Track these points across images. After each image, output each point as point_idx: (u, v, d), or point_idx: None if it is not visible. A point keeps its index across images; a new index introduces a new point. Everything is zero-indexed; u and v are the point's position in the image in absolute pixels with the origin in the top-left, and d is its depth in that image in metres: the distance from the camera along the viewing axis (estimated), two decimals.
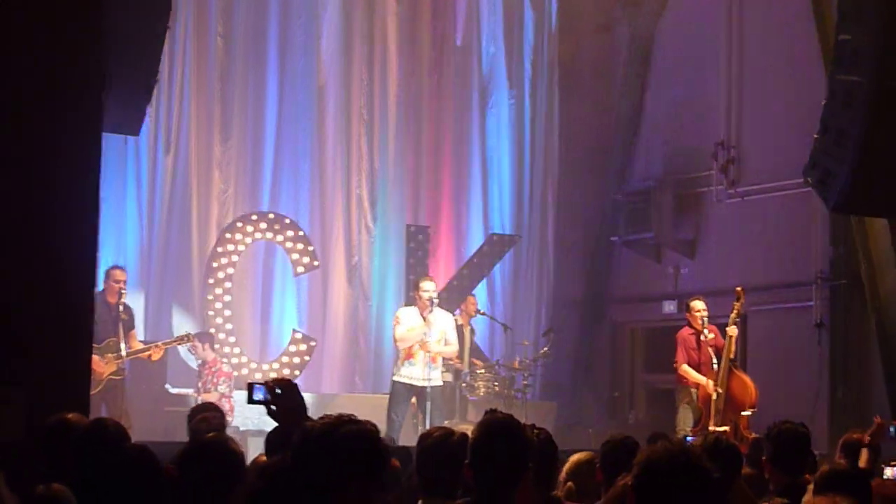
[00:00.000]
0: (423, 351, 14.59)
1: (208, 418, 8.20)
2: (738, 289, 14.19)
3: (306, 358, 17.67)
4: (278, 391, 5.07)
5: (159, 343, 15.05)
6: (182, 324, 17.32)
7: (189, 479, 5.09)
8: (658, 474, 4.26)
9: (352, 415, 4.41)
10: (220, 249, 17.37)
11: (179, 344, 15.66)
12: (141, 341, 15.03)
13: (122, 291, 14.54)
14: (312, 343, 17.81)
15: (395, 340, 14.92)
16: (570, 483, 7.08)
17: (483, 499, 5.06)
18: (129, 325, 14.64)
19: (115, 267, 14.90)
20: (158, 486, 4.81)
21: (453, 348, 15.26)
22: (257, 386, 5.05)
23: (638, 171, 19.91)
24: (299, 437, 4.35)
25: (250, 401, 5.06)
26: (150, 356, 14.71)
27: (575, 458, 7.31)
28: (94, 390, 13.53)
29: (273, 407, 5.09)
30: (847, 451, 8.32)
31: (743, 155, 18.46)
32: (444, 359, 15.35)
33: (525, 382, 17.52)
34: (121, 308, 14.45)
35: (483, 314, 17.96)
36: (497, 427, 5.14)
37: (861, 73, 12.27)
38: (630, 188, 19.61)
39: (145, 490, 4.76)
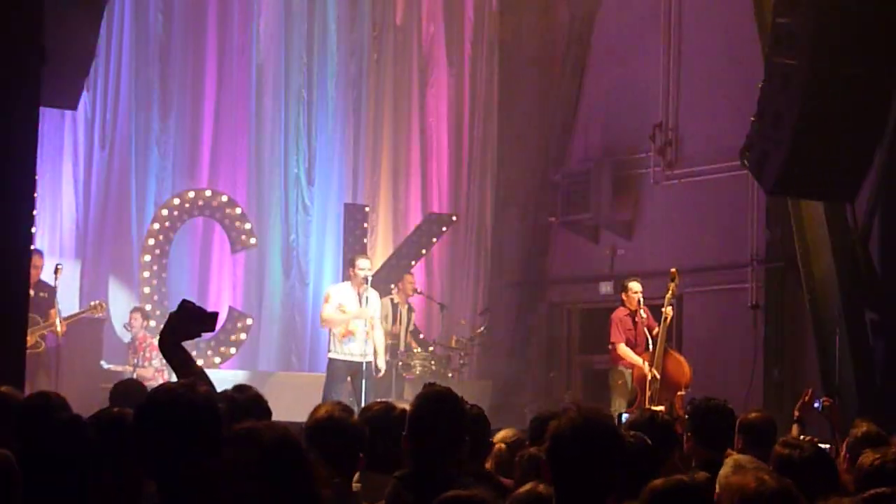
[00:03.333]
0: (361, 328, 14.70)
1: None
2: (673, 270, 14.24)
3: (242, 336, 17.68)
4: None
5: (60, 318, 14.98)
6: (119, 299, 17.29)
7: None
8: (563, 441, 4.36)
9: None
10: (157, 226, 17.36)
11: (89, 314, 15.66)
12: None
13: (59, 268, 14.77)
14: (249, 321, 17.81)
15: (322, 320, 15.07)
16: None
17: (420, 470, 5.08)
18: (50, 304, 14.80)
19: (34, 251, 14.88)
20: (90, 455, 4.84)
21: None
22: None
23: (576, 153, 19.95)
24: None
25: None
26: (56, 331, 14.76)
27: (500, 435, 7.32)
28: None
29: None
30: (745, 432, 8.10)
31: (680, 137, 18.53)
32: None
33: (461, 361, 17.58)
34: (38, 289, 14.53)
35: (420, 293, 17.98)
36: (436, 399, 5.17)
37: (798, 56, 12.37)
38: (568, 169, 19.64)
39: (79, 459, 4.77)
